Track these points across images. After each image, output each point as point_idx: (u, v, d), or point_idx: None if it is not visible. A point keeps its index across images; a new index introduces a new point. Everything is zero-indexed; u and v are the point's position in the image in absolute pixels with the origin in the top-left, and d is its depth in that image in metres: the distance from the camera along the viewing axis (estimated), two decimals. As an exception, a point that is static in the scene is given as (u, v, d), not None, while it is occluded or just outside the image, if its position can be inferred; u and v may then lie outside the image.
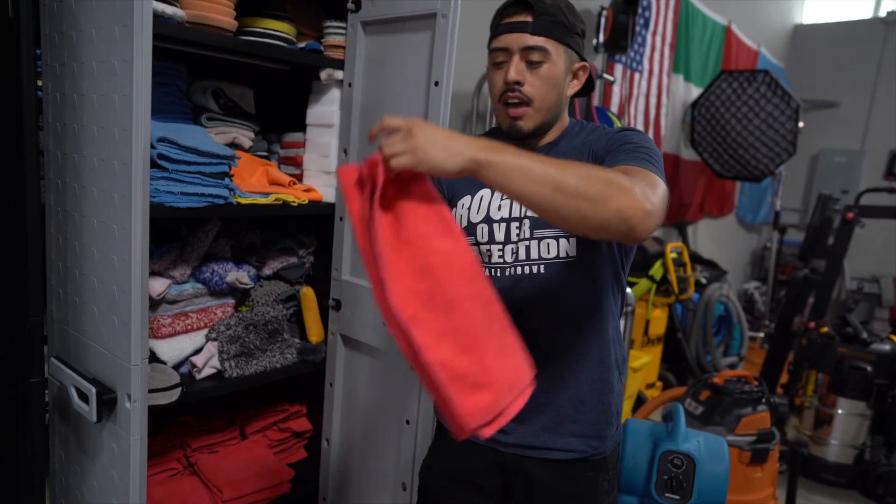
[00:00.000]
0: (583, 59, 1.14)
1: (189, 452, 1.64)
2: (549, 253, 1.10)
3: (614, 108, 3.54)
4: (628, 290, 2.86)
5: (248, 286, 1.63)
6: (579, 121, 1.21)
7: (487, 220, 1.15)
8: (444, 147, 0.81)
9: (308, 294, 1.70)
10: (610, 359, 1.16)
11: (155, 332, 1.48)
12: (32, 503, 1.15)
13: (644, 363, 3.11)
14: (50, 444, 1.22)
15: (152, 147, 1.28)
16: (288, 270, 1.74)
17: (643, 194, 0.85)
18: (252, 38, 1.50)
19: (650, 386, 3.45)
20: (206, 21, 1.37)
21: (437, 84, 1.38)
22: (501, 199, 1.14)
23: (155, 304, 1.49)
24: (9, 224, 1.15)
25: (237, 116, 1.61)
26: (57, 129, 1.08)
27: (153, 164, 1.30)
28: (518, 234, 1.12)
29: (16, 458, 1.12)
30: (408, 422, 1.48)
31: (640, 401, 3.11)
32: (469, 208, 1.18)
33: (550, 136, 1.17)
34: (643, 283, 3.44)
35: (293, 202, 1.56)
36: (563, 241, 1.10)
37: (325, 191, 1.66)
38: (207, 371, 1.51)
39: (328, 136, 1.63)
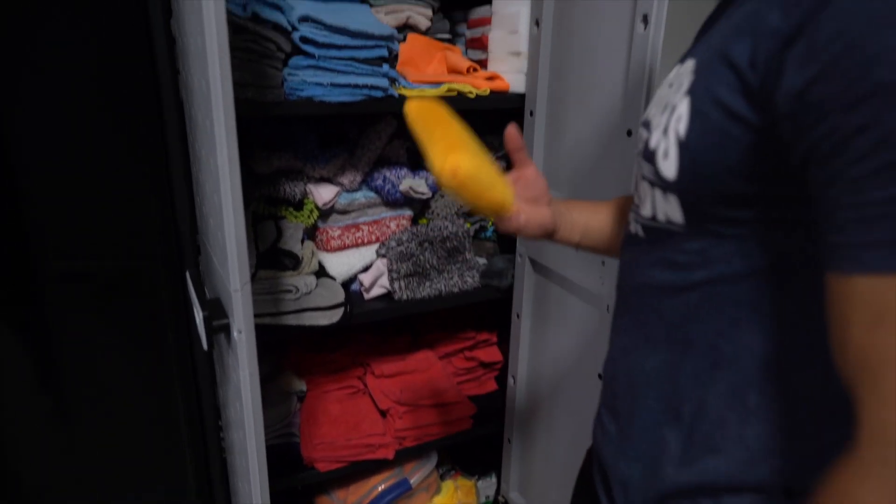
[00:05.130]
0: None
1: (370, 371, 1.55)
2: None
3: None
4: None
5: (426, 196, 1.41)
6: None
7: None
8: None
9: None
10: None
11: (324, 245, 1.36)
12: (195, 404, 1.13)
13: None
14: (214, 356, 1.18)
15: (294, 29, 1.09)
16: (473, 179, 1.47)
17: None
18: None
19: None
20: None
21: None
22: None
23: (325, 214, 1.36)
24: (152, 131, 1.06)
25: (410, -10, 1.33)
26: (176, 13, 0.93)
27: (297, 51, 1.11)
28: None
29: (169, 369, 1.09)
30: (601, 376, 1.15)
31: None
32: None
33: None
34: None
35: (470, 93, 1.26)
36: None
37: (513, 77, 1.32)
38: (376, 291, 1.35)
39: (516, 5, 1.27)
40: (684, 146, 0.50)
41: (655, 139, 0.54)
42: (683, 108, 0.50)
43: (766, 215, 0.48)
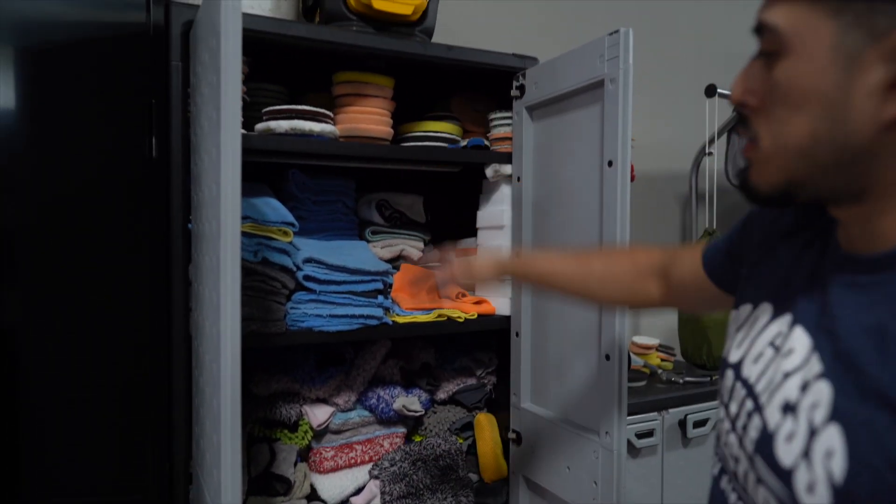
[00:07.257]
0: None
1: None
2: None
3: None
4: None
5: (418, 413, 1.44)
6: None
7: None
8: None
9: (482, 422, 1.45)
10: None
11: (317, 466, 1.36)
12: None
13: None
14: None
15: (298, 269, 1.22)
16: (465, 394, 1.52)
17: None
18: (409, 144, 1.40)
19: None
20: (359, 133, 1.30)
21: (610, 164, 1.10)
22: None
23: (319, 434, 1.38)
24: (158, 364, 1.13)
25: (404, 227, 1.51)
26: (196, 261, 1.06)
27: (300, 287, 1.23)
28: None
29: None
30: None
31: None
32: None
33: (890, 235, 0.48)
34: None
35: (459, 318, 1.36)
36: None
37: (499, 302, 1.43)
38: (369, 515, 1.33)
39: (499, 239, 1.43)
40: (842, 494, 0.42)
41: (788, 451, 0.46)
42: (835, 441, 0.43)
43: None
